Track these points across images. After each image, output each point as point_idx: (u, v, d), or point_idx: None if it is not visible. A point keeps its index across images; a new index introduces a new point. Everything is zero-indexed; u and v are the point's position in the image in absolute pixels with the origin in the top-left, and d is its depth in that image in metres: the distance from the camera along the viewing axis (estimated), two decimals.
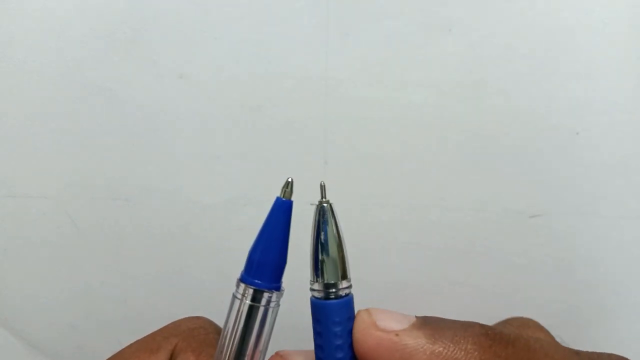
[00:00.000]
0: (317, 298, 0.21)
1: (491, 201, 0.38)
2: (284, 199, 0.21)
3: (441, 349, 0.19)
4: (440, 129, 0.38)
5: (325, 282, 0.21)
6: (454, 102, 0.38)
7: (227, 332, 0.21)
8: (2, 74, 0.39)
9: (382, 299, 0.38)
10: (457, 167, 0.38)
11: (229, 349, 0.21)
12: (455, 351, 0.19)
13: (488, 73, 0.38)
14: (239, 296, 0.21)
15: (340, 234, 0.21)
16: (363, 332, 0.20)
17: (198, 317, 0.28)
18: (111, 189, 0.39)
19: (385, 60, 0.38)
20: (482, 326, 0.21)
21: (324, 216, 0.21)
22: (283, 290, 0.21)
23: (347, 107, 0.38)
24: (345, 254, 0.21)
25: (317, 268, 0.21)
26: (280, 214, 0.21)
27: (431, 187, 0.39)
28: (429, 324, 0.20)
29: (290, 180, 0.21)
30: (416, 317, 0.21)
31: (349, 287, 0.21)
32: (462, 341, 0.20)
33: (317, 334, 0.21)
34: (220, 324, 0.25)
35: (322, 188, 0.22)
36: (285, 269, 0.21)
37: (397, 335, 0.20)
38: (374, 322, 0.20)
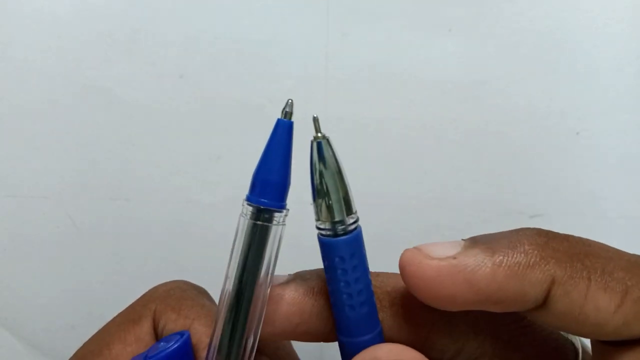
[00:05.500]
0: (324, 236, 0.21)
1: (491, 201, 0.38)
2: (284, 120, 0.21)
3: (502, 257, 0.19)
4: (440, 129, 0.38)
5: (332, 220, 0.20)
6: (454, 102, 0.38)
7: (234, 252, 0.21)
8: (2, 74, 0.39)
9: None
10: (457, 167, 0.38)
11: (235, 269, 0.21)
12: (515, 256, 0.19)
13: (488, 73, 0.38)
14: (244, 215, 0.21)
15: (341, 168, 0.21)
16: (419, 266, 0.20)
17: (174, 280, 0.27)
18: (111, 189, 0.39)
19: (385, 60, 0.38)
20: (531, 228, 0.20)
21: (321, 152, 0.21)
22: (288, 210, 0.21)
23: (347, 107, 0.38)
24: (348, 189, 0.20)
25: (320, 206, 0.21)
26: (282, 134, 0.21)
27: (431, 187, 0.39)
28: (480, 241, 0.20)
29: (290, 101, 0.21)
30: (463, 239, 0.21)
31: (356, 220, 0.21)
32: (518, 245, 0.19)
33: (328, 271, 0.21)
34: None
35: (316, 121, 0.21)
36: (289, 189, 0.21)
37: (454, 258, 0.19)
38: (426, 254, 0.20)
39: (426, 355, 0.22)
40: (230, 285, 0.21)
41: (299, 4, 0.38)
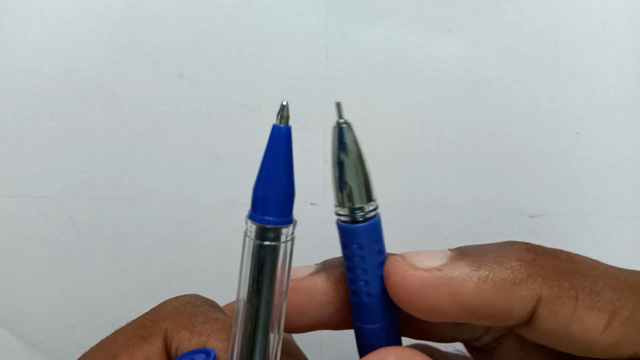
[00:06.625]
0: (343, 222, 0.20)
1: (491, 201, 0.38)
2: (281, 126, 0.19)
3: (488, 272, 0.19)
4: (440, 129, 0.38)
5: (352, 206, 0.20)
6: (454, 102, 0.38)
7: (242, 274, 0.19)
8: (2, 74, 0.39)
9: None
10: (457, 167, 0.38)
11: (247, 293, 0.19)
12: (501, 271, 0.19)
13: (488, 73, 0.38)
14: (249, 235, 0.19)
15: (362, 154, 0.20)
16: (403, 275, 0.19)
17: (184, 295, 0.26)
18: (111, 189, 0.39)
19: (385, 60, 0.38)
20: (520, 243, 0.20)
21: (342, 138, 0.20)
22: (296, 221, 0.19)
23: (347, 107, 0.38)
24: (369, 175, 0.20)
25: (341, 192, 0.20)
26: (280, 142, 0.19)
27: (431, 187, 0.39)
28: (467, 254, 0.20)
29: (285, 103, 0.19)
30: (450, 250, 0.20)
31: (376, 208, 0.20)
32: (505, 260, 0.19)
33: (346, 257, 0.21)
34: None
35: (339, 106, 0.20)
36: (294, 199, 0.19)
37: (439, 270, 0.19)
38: (411, 264, 0.20)
39: (456, 335, 0.22)
40: (244, 308, 0.19)
41: (299, 4, 0.38)
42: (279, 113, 0.19)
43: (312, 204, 0.38)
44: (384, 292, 0.21)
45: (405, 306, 0.20)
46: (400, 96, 0.38)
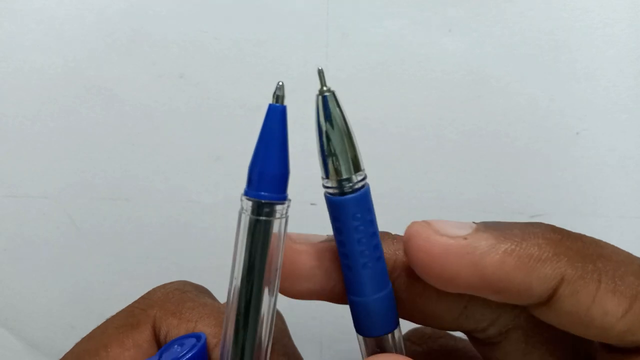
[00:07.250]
0: (331, 195, 0.20)
1: (491, 201, 0.38)
2: (277, 105, 0.19)
3: (514, 246, 0.19)
4: (440, 129, 0.38)
5: (339, 178, 0.19)
6: (454, 102, 0.38)
7: (237, 251, 0.20)
8: (2, 74, 0.39)
9: None
10: (457, 167, 0.38)
11: (240, 268, 0.19)
12: (527, 247, 0.19)
13: (488, 73, 0.38)
14: (244, 212, 0.19)
15: (348, 123, 0.19)
16: (427, 240, 0.19)
17: (173, 282, 0.27)
18: (111, 189, 0.39)
19: (385, 60, 0.38)
20: (546, 224, 0.20)
21: (326, 107, 0.19)
22: (289, 200, 0.20)
23: (347, 107, 0.38)
24: (355, 145, 0.19)
25: (327, 164, 0.19)
26: (275, 120, 0.19)
27: (431, 187, 0.39)
28: (492, 227, 0.19)
29: (280, 83, 0.19)
30: (474, 222, 0.20)
31: (364, 178, 0.20)
32: (532, 237, 0.19)
33: (337, 230, 0.20)
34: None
35: (321, 74, 0.19)
36: (288, 178, 0.20)
37: (465, 239, 0.19)
38: (436, 229, 0.19)
39: (461, 324, 0.22)
40: (236, 286, 0.20)
41: (299, 4, 0.38)
42: (274, 92, 0.19)
43: (312, 204, 0.38)
44: (377, 264, 0.20)
45: (424, 272, 0.20)
46: (400, 96, 0.38)
